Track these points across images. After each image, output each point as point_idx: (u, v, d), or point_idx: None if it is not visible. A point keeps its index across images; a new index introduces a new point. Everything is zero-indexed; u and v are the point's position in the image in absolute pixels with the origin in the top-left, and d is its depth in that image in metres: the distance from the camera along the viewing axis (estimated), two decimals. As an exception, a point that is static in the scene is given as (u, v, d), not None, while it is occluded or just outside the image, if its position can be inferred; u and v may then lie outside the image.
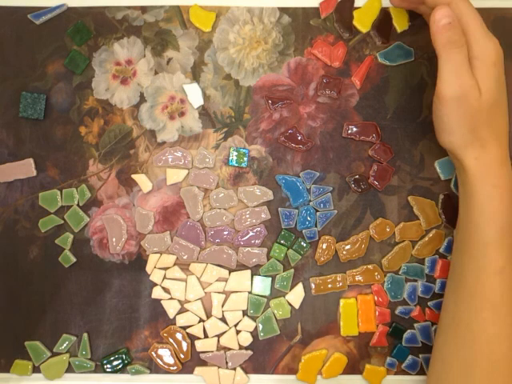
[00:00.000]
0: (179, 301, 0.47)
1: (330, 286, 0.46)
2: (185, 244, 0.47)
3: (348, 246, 0.46)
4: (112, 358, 0.46)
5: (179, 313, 0.47)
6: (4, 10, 0.47)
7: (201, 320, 0.47)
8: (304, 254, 0.47)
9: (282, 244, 0.46)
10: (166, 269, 0.47)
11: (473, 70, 0.37)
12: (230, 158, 0.47)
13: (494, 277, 0.38)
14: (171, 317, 0.47)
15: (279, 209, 0.47)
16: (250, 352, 0.46)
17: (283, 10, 0.47)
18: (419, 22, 0.47)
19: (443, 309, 0.42)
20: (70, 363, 0.47)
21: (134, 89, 0.48)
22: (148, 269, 0.47)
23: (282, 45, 0.47)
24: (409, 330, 0.46)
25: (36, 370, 0.47)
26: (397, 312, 0.46)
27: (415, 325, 0.46)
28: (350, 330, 0.46)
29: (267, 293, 0.47)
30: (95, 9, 0.48)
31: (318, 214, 0.46)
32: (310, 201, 0.47)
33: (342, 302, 0.46)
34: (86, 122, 0.47)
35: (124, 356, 0.46)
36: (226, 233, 0.47)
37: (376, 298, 0.46)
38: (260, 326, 0.46)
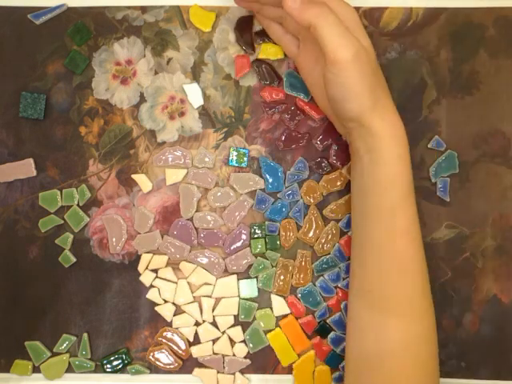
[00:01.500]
0: (174, 304, 0.47)
1: (279, 280, 0.46)
2: (175, 243, 0.46)
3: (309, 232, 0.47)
4: (112, 358, 0.46)
5: (175, 314, 0.47)
6: (4, 9, 0.47)
7: (196, 323, 0.47)
8: (279, 248, 0.47)
9: (257, 237, 0.46)
10: (157, 270, 0.47)
11: (354, 32, 0.37)
12: (230, 158, 0.47)
13: (401, 238, 0.38)
14: (168, 320, 0.47)
15: (258, 191, 0.47)
16: (248, 361, 0.46)
17: (283, 10, 0.47)
18: (420, 21, 0.47)
19: (352, 277, 0.42)
20: (69, 363, 0.47)
21: (134, 89, 0.48)
22: (140, 268, 0.47)
23: (282, 45, 0.47)
24: (332, 332, 0.46)
25: (36, 370, 0.47)
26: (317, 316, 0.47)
27: (328, 320, 0.46)
28: (288, 358, 0.46)
29: (255, 294, 0.46)
30: (95, 9, 0.48)
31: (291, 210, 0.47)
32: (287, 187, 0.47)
33: (268, 336, 0.46)
34: (85, 121, 0.47)
35: (124, 356, 0.46)
36: (216, 237, 0.47)
37: (294, 310, 0.46)
38: (248, 339, 0.46)
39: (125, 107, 0.47)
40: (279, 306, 0.46)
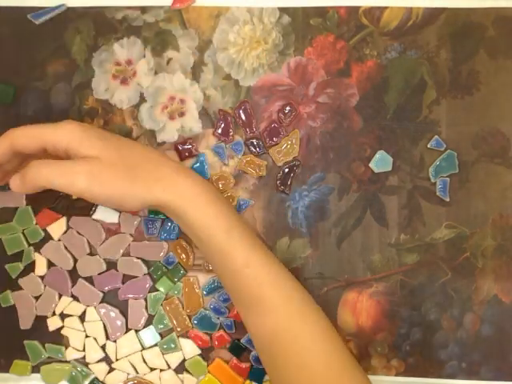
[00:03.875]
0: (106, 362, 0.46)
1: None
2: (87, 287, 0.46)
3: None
4: None
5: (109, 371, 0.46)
6: (4, 9, 0.47)
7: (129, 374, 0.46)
8: (181, 278, 0.46)
9: (167, 278, 0.46)
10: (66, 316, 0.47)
11: (80, 154, 0.38)
12: None
13: (243, 271, 0.40)
14: (101, 378, 0.46)
15: (142, 218, 0.46)
16: None
17: (283, 10, 0.47)
18: (420, 21, 0.47)
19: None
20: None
21: (133, 89, 0.47)
22: (57, 310, 0.47)
23: (281, 45, 0.47)
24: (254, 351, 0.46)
25: (35, 370, 0.47)
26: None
27: (242, 341, 0.46)
28: None
29: (158, 338, 0.46)
30: (95, 9, 0.47)
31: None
32: None
33: None
34: (85, 122, 0.47)
35: None
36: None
37: (200, 343, 0.46)
38: None
39: (125, 107, 0.47)
40: (188, 347, 0.46)
